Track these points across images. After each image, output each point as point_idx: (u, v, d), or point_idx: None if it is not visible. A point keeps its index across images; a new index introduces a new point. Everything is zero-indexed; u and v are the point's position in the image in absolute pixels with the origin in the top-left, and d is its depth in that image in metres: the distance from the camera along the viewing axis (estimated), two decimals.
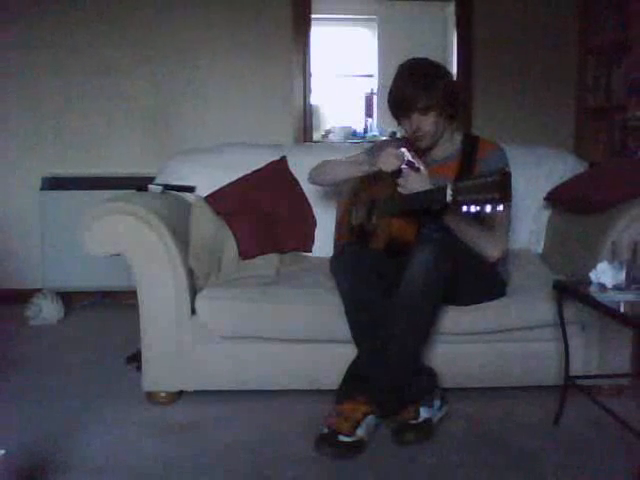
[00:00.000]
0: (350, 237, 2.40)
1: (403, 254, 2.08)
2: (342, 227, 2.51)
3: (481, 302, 2.19)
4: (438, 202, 1.82)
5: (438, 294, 1.99)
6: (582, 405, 2.14)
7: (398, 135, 2.39)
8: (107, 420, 2.16)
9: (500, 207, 1.60)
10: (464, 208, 1.68)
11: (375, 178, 2.26)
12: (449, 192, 1.75)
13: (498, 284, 2.22)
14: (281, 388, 2.30)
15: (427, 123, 2.13)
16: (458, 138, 2.26)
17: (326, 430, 1.95)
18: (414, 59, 2.20)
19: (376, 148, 2.47)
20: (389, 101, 2.20)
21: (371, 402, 2.01)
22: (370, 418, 1.99)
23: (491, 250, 2.14)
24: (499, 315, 2.20)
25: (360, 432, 1.94)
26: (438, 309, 2.09)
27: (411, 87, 2.11)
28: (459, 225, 2.09)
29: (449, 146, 2.24)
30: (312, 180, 2.54)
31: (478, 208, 1.65)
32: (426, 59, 2.20)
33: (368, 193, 2.30)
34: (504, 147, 2.24)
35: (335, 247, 2.56)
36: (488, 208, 1.62)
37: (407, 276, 1.96)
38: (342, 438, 1.92)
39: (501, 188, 1.59)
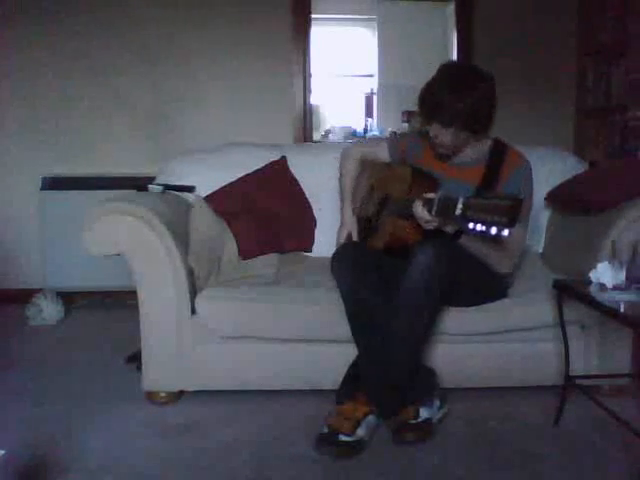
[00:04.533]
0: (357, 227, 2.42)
1: (401, 256, 2.08)
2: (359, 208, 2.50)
3: (482, 303, 2.19)
4: (448, 213, 1.79)
5: (438, 293, 1.99)
6: (582, 405, 2.13)
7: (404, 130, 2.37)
8: (107, 420, 2.16)
9: (505, 232, 1.59)
10: (470, 225, 1.67)
11: (393, 177, 2.25)
12: (459, 206, 1.72)
13: (500, 286, 2.22)
14: (281, 388, 2.30)
15: (445, 135, 2.06)
16: (487, 143, 2.17)
17: (326, 429, 1.95)
18: (455, 65, 2.12)
19: (396, 140, 2.47)
20: (419, 96, 2.09)
21: (371, 402, 2.01)
22: (371, 418, 1.99)
23: (502, 266, 2.14)
24: (500, 316, 2.20)
25: (360, 432, 1.94)
26: (438, 309, 2.09)
27: (438, 95, 2.01)
28: (473, 246, 2.06)
29: (476, 150, 2.16)
30: (341, 160, 2.55)
31: (484, 228, 1.64)
32: (466, 67, 2.12)
33: (383, 190, 2.29)
34: (529, 160, 2.15)
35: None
36: (493, 230, 1.61)
37: (408, 275, 1.96)
38: (342, 437, 1.92)
39: (511, 214, 1.58)
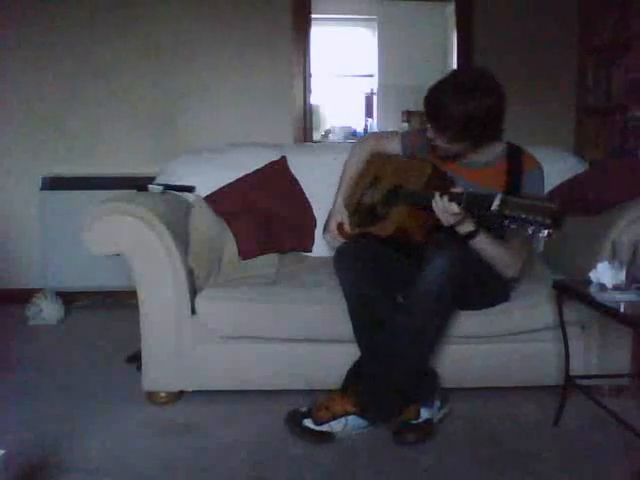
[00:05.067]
0: (352, 217, 2.38)
1: (403, 249, 2.07)
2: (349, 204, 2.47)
3: (488, 306, 2.18)
4: (481, 208, 1.78)
5: (450, 298, 1.97)
6: (582, 405, 2.14)
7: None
8: (107, 420, 2.16)
9: (544, 233, 1.59)
10: (506, 222, 1.68)
11: (409, 168, 2.22)
12: (496, 202, 1.71)
13: (505, 289, 2.21)
14: (281, 388, 2.30)
15: (439, 140, 2.06)
16: (499, 147, 2.15)
17: (303, 409, 2.01)
18: (466, 72, 2.05)
19: (407, 135, 2.44)
20: (425, 96, 2.07)
21: (360, 404, 2.01)
22: (352, 419, 2.00)
23: (509, 270, 2.12)
24: (501, 319, 2.20)
25: (334, 426, 1.98)
26: (451, 313, 2.10)
27: (440, 100, 1.99)
28: (483, 249, 2.04)
29: (486, 153, 2.13)
30: (352, 149, 2.56)
31: (519, 227, 1.64)
32: (477, 77, 2.04)
33: (392, 180, 2.25)
34: (541, 164, 2.15)
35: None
36: (531, 230, 1.61)
37: (423, 279, 1.93)
38: (306, 422, 1.98)
39: (557, 217, 1.58)
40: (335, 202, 2.46)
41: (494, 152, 2.14)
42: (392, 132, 2.57)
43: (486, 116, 1.99)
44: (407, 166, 2.25)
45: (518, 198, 1.70)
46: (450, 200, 1.88)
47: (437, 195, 1.91)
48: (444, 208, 1.90)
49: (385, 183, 2.29)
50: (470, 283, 2.04)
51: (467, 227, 1.97)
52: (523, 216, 1.64)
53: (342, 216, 2.37)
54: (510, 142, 2.18)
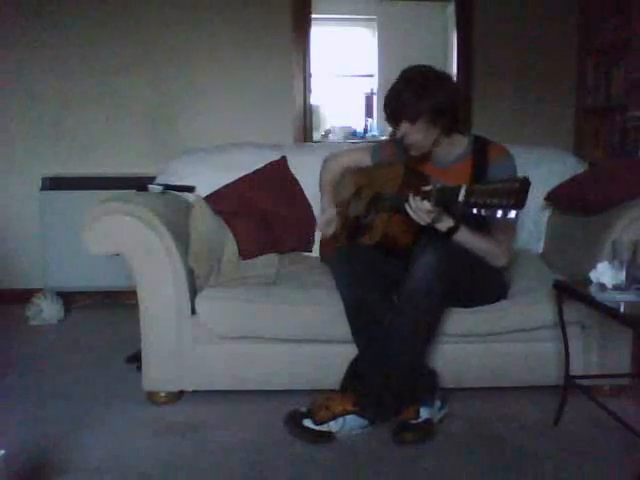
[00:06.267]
0: (342, 231, 2.39)
1: (393, 254, 2.08)
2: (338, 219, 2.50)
3: (484, 304, 2.18)
4: (450, 201, 1.80)
5: (440, 295, 1.98)
6: (582, 405, 2.13)
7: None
8: (107, 420, 2.16)
9: (512, 214, 1.60)
10: (474, 210, 1.68)
11: (384, 175, 2.24)
12: (462, 193, 1.73)
13: (501, 287, 2.22)
14: (281, 388, 2.30)
15: (414, 133, 2.06)
16: (465, 140, 2.17)
17: (303, 409, 2.01)
18: (415, 66, 2.10)
19: (379, 147, 2.47)
20: (384, 103, 2.12)
21: (360, 404, 2.01)
22: (352, 418, 2.01)
23: (499, 260, 2.13)
24: (500, 317, 2.20)
25: (333, 425, 1.98)
26: (443, 310, 2.09)
27: (401, 95, 2.03)
28: (468, 242, 2.05)
29: (455, 149, 2.16)
30: (320, 170, 2.60)
31: (488, 213, 1.65)
32: (428, 67, 2.09)
33: (372, 189, 2.28)
34: (512, 154, 2.15)
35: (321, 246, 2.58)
36: (499, 213, 1.61)
37: (411, 277, 1.95)
38: (306, 422, 1.99)
39: (518, 195, 1.58)
40: (324, 204, 2.51)
41: (461, 148, 2.16)
42: (360, 147, 2.59)
43: (447, 102, 2.03)
44: (383, 173, 2.28)
45: (482, 185, 1.72)
46: (422, 199, 1.90)
47: (410, 196, 1.93)
48: (417, 207, 1.91)
49: (367, 193, 2.32)
50: (462, 278, 2.05)
51: (446, 223, 1.98)
52: (489, 201, 1.64)
53: (331, 214, 2.41)
54: (477, 135, 2.19)
